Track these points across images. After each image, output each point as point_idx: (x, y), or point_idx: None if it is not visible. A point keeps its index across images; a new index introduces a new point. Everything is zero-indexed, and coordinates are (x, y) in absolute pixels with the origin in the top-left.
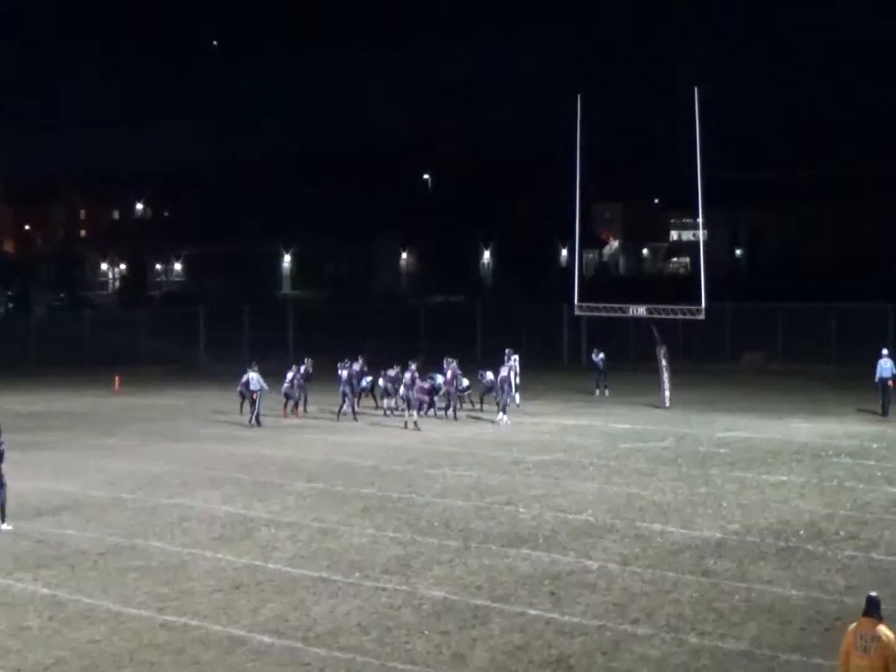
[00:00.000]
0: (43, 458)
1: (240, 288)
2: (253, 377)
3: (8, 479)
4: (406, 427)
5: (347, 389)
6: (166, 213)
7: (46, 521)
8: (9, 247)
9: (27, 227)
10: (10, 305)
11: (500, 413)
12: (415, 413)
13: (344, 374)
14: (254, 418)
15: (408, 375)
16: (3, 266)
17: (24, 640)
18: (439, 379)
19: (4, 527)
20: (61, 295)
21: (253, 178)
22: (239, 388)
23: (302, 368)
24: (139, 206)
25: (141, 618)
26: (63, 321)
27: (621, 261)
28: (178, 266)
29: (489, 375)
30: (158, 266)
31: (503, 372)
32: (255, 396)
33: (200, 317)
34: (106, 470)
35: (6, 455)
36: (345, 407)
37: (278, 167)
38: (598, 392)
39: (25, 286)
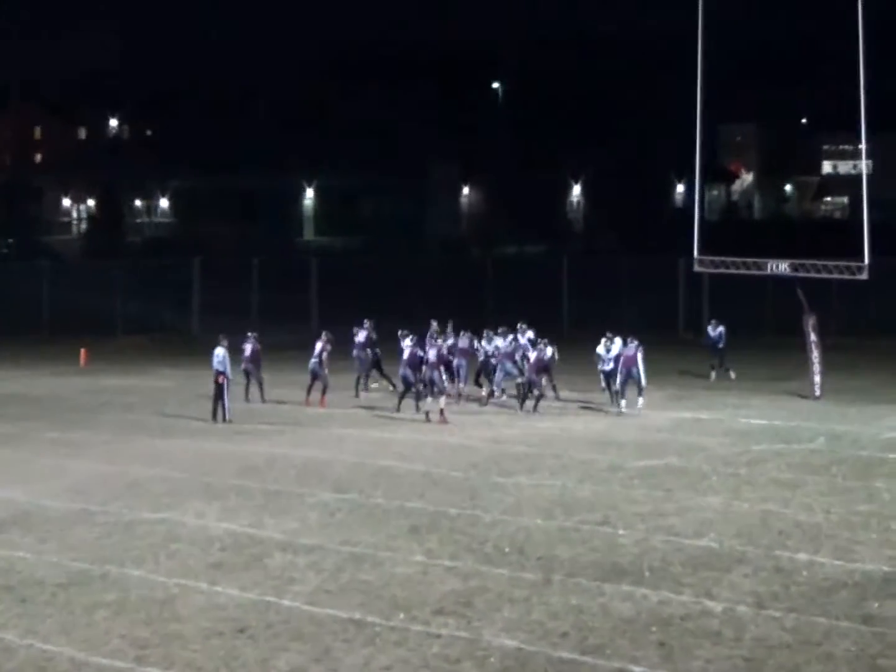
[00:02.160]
0: None
1: (247, 234)
2: (219, 353)
3: None
4: (427, 419)
5: (408, 372)
6: (149, 133)
7: None
8: None
9: None
10: None
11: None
12: (442, 399)
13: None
14: (224, 412)
15: (432, 352)
16: None
17: None
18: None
19: None
20: (10, 240)
21: (265, 90)
22: (243, 366)
23: (362, 334)
24: (113, 122)
25: (113, 670)
26: (13, 274)
27: (756, 200)
28: (164, 204)
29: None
30: (139, 203)
31: (628, 351)
32: (220, 380)
33: (195, 271)
34: (69, 473)
35: None
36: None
37: (298, 76)
38: (713, 375)
39: None
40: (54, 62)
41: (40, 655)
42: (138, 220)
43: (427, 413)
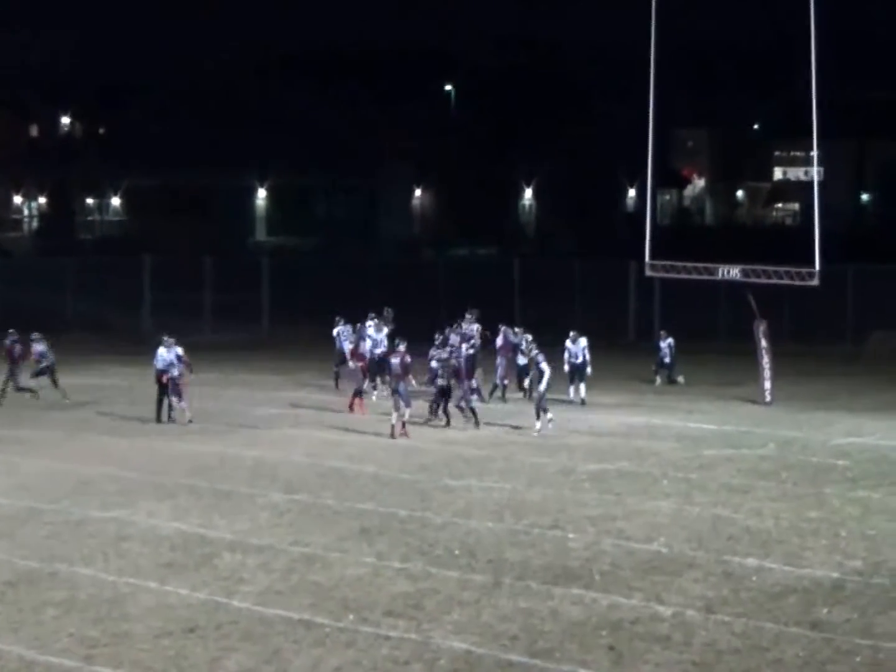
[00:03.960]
0: None
1: (199, 233)
2: (161, 354)
3: None
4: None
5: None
6: (101, 131)
7: None
8: None
9: None
10: None
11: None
12: (406, 412)
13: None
14: (169, 412)
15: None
16: None
17: None
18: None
19: None
20: None
21: (220, 87)
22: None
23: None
24: (65, 119)
25: (62, 669)
26: None
27: (708, 205)
28: (116, 202)
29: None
30: (90, 201)
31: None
32: (164, 379)
33: (146, 270)
34: (18, 471)
35: None
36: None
37: (254, 74)
38: (658, 380)
39: None
40: (5, 58)
41: None
42: (90, 218)
43: (392, 427)
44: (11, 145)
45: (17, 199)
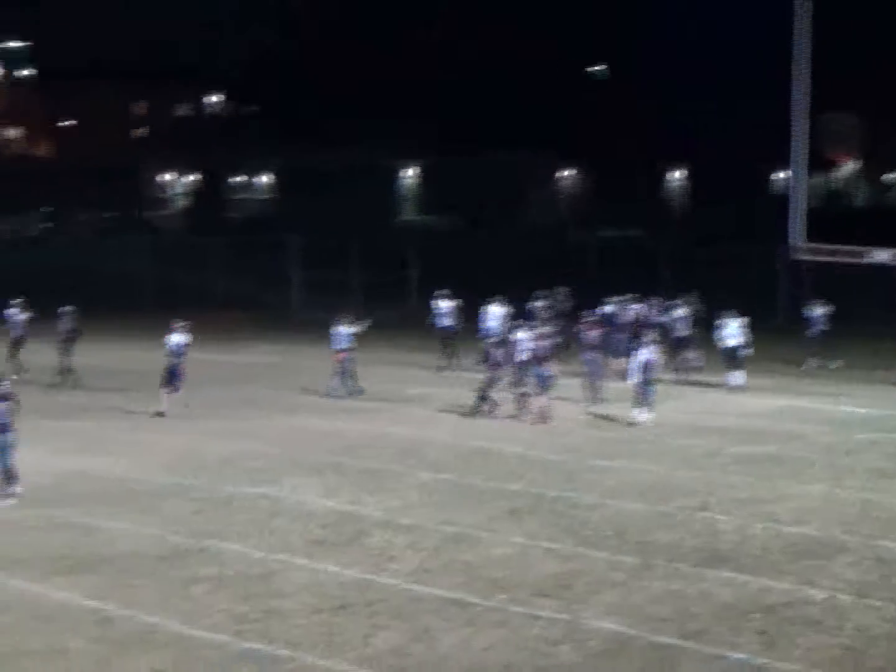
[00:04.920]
0: (82, 430)
1: (347, 212)
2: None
3: (37, 455)
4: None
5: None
6: (251, 110)
7: (89, 511)
8: (43, 150)
9: (67, 125)
10: (46, 226)
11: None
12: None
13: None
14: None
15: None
16: (36, 175)
17: (64, 666)
18: None
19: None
20: (111, 215)
21: (367, 64)
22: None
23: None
24: (213, 99)
25: (214, 644)
26: (113, 249)
27: (859, 189)
28: (264, 180)
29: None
30: (238, 180)
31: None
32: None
33: (293, 249)
34: (166, 447)
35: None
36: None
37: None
38: (811, 362)
39: (64, 202)
40: (157, 38)
41: (143, 627)
42: (238, 197)
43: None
44: (160, 125)
45: (166, 178)
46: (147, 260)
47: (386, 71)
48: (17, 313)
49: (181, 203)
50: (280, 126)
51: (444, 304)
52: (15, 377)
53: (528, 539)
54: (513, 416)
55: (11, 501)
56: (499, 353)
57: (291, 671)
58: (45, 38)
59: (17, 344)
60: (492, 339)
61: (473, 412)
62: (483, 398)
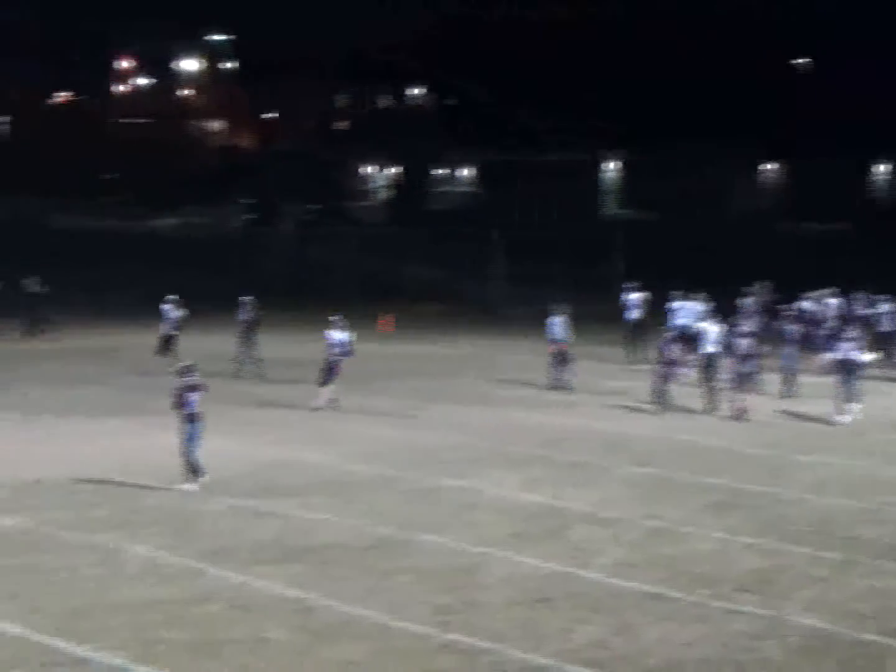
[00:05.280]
0: (285, 421)
1: (548, 205)
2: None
3: (237, 447)
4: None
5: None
6: (453, 102)
7: (292, 502)
8: (246, 142)
9: (270, 117)
10: (249, 217)
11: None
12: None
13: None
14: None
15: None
16: (239, 167)
17: (266, 655)
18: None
19: (188, 486)
20: (310, 207)
21: (567, 59)
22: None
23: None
24: (416, 91)
25: (415, 635)
26: (315, 240)
27: None
28: (466, 173)
29: None
30: (440, 172)
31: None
32: (552, 349)
33: (496, 242)
34: (368, 439)
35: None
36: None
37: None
38: None
39: (267, 193)
40: (355, 23)
41: (343, 617)
42: (440, 189)
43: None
44: (363, 116)
45: (369, 170)
46: (349, 252)
47: (587, 66)
48: (171, 310)
49: (383, 195)
50: (481, 119)
51: (634, 297)
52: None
53: (730, 534)
54: (707, 412)
55: (196, 486)
56: (673, 348)
57: (492, 664)
58: (248, 32)
59: (167, 341)
60: (669, 334)
61: (659, 409)
62: (661, 394)
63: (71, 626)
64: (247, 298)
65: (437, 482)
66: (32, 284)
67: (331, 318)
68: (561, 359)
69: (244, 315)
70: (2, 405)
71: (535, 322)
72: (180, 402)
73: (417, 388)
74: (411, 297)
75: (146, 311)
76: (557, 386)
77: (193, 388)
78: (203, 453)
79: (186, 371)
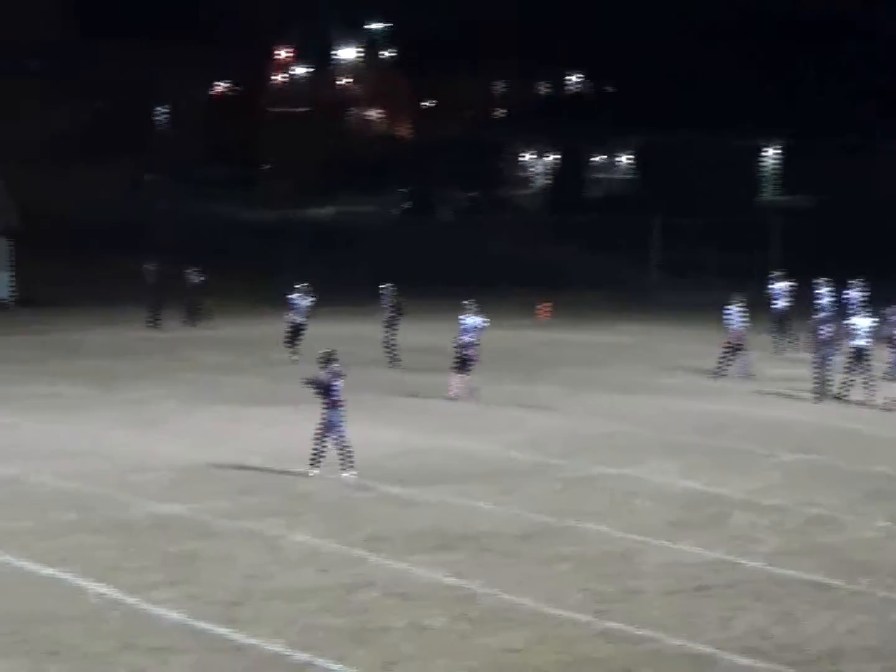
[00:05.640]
0: (442, 409)
1: (706, 192)
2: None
3: (394, 435)
4: None
5: None
6: (611, 89)
7: (450, 490)
8: (405, 130)
9: (428, 105)
10: (408, 206)
11: None
12: None
13: None
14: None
15: None
16: (399, 155)
17: (425, 643)
18: None
19: (313, 471)
20: (472, 194)
21: (726, 44)
22: None
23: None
24: (575, 78)
25: (574, 623)
26: (474, 227)
27: None
28: (624, 160)
29: None
30: (599, 159)
31: None
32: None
33: (654, 229)
34: (527, 426)
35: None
36: None
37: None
38: None
39: (426, 182)
40: (515, 20)
41: (502, 605)
42: (598, 176)
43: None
44: (521, 104)
45: (528, 157)
46: (507, 240)
47: (747, 53)
48: (300, 298)
49: (541, 182)
50: (639, 105)
51: (780, 286)
52: (295, 357)
53: (892, 522)
54: (864, 402)
55: (354, 473)
56: (826, 330)
57: (651, 652)
58: (406, 19)
59: (295, 329)
60: (819, 316)
61: (819, 397)
62: (821, 381)
63: (230, 613)
64: (388, 287)
65: (596, 470)
66: (192, 274)
67: (464, 303)
68: (736, 348)
69: (386, 303)
70: (159, 393)
71: (692, 309)
72: (325, 390)
73: (575, 375)
74: (569, 285)
75: None
76: (723, 374)
77: (337, 375)
78: (354, 440)
79: (329, 358)
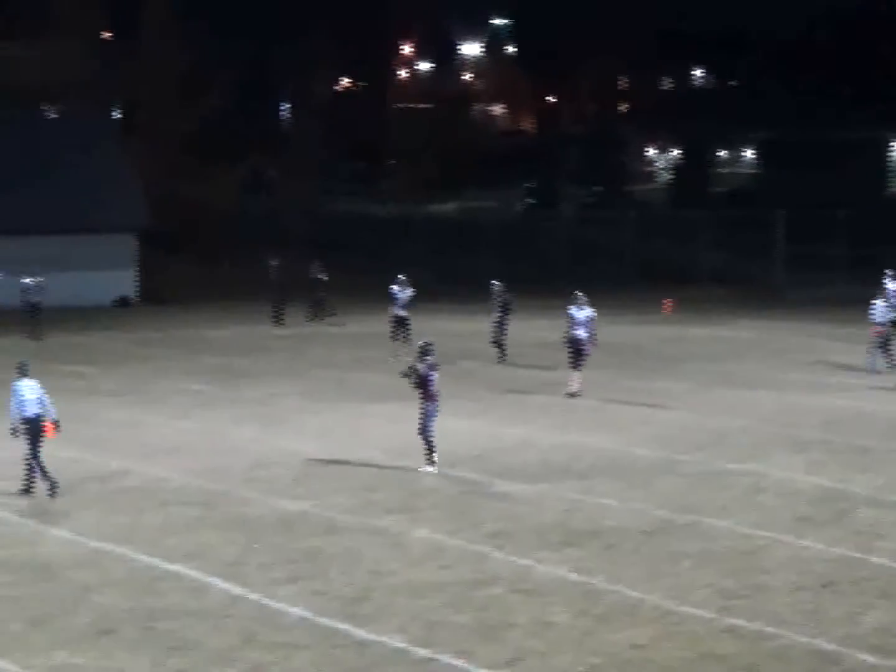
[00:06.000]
0: (558, 405)
1: (833, 186)
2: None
3: (518, 431)
4: None
5: None
6: (734, 83)
7: (576, 486)
8: (527, 125)
9: (550, 101)
10: (531, 201)
11: None
12: None
13: None
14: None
15: None
16: (521, 151)
17: (549, 639)
18: None
19: (428, 468)
20: (595, 189)
21: (850, 37)
22: None
23: None
24: (698, 72)
25: (699, 619)
26: (598, 223)
27: None
28: (749, 154)
29: None
30: (723, 154)
31: None
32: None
33: (779, 224)
34: (652, 422)
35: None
36: None
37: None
38: None
39: (549, 177)
40: (636, 16)
41: (627, 601)
42: (722, 171)
43: None
44: (644, 99)
45: (651, 152)
46: (631, 234)
47: (870, 44)
48: (400, 291)
49: (665, 177)
50: (763, 99)
51: (893, 286)
52: (391, 358)
53: None
54: None
55: (434, 468)
56: None
57: (776, 648)
58: (528, 14)
59: (399, 322)
60: None
61: None
62: None
63: (353, 609)
64: (497, 284)
65: (721, 465)
66: (316, 270)
67: (574, 294)
68: (882, 341)
69: (495, 300)
70: (284, 389)
71: (817, 304)
72: (424, 382)
73: (700, 371)
74: (693, 280)
75: (423, 297)
76: (875, 369)
77: (433, 367)
78: (475, 436)
79: (425, 351)
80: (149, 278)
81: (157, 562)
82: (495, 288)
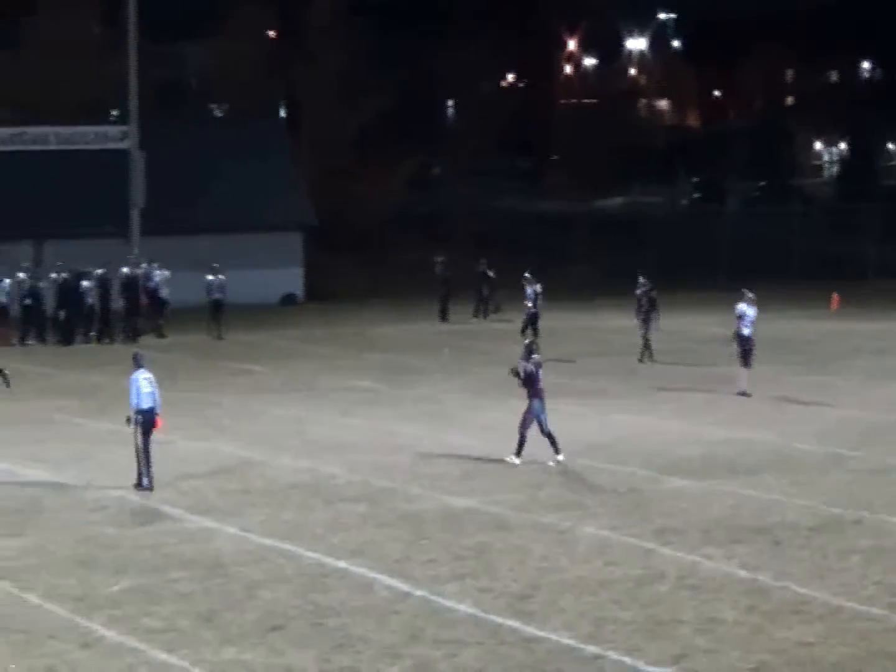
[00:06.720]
0: (722, 401)
1: None
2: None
3: (682, 427)
4: None
5: None
6: None
7: (741, 482)
8: (693, 119)
9: (716, 94)
10: (697, 196)
11: None
12: None
13: None
14: None
15: None
16: (687, 145)
17: (716, 636)
18: None
19: (512, 459)
20: (761, 183)
21: None
22: None
23: None
24: (865, 64)
25: (869, 616)
26: (764, 217)
27: None
28: None
29: None
30: (891, 146)
31: None
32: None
33: None
34: (819, 418)
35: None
36: None
37: None
38: None
39: (715, 171)
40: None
41: (795, 598)
42: (891, 164)
43: None
44: (810, 91)
45: (818, 146)
46: (797, 229)
47: None
48: (528, 286)
49: (832, 171)
50: None
51: None
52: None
53: None
54: None
55: (560, 458)
56: None
57: None
58: (692, 9)
59: (530, 318)
60: None
61: None
62: None
63: (520, 606)
64: (643, 281)
65: (890, 461)
66: (482, 266)
67: (744, 291)
68: None
69: (641, 297)
70: (450, 386)
71: None
72: (531, 379)
73: (868, 366)
74: (860, 275)
75: (586, 293)
76: None
77: (539, 364)
78: (641, 431)
79: (531, 349)
80: (314, 276)
81: (324, 558)
82: (641, 286)
